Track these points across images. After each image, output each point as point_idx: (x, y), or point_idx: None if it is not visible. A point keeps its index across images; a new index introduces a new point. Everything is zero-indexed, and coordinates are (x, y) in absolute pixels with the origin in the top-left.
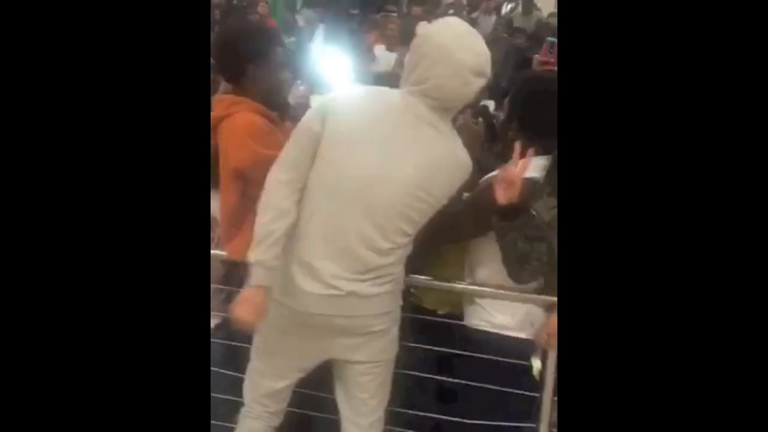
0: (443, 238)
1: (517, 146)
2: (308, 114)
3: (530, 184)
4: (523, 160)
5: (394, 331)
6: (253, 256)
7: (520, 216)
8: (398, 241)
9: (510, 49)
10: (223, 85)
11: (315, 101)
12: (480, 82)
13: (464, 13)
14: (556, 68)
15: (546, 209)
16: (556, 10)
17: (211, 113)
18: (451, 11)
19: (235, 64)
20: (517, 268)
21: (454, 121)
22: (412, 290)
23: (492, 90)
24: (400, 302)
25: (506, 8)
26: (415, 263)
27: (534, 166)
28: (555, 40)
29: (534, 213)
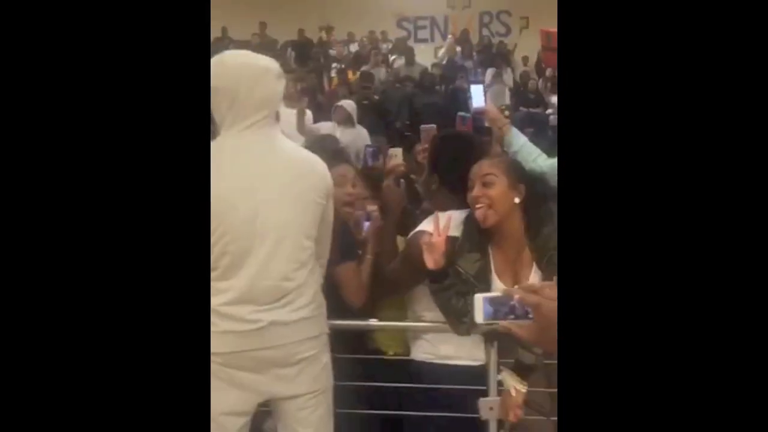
0: (385, 292)
1: (436, 213)
2: None
3: (452, 243)
4: (444, 219)
5: (325, 359)
6: None
7: (448, 275)
8: (300, 258)
9: (403, 96)
10: None
11: None
12: (284, 82)
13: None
14: (470, 130)
15: (470, 264)
16: (438, 61)
17: None
18: (337, 65)
19: None
20: (456, 322)
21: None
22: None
23: (393, 135)
24: (326, 330)
25: (392, 59)
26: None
27: (452, 225)
28: (467, 114)
29: (460, 270)
